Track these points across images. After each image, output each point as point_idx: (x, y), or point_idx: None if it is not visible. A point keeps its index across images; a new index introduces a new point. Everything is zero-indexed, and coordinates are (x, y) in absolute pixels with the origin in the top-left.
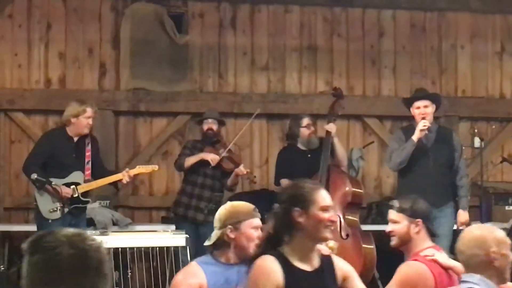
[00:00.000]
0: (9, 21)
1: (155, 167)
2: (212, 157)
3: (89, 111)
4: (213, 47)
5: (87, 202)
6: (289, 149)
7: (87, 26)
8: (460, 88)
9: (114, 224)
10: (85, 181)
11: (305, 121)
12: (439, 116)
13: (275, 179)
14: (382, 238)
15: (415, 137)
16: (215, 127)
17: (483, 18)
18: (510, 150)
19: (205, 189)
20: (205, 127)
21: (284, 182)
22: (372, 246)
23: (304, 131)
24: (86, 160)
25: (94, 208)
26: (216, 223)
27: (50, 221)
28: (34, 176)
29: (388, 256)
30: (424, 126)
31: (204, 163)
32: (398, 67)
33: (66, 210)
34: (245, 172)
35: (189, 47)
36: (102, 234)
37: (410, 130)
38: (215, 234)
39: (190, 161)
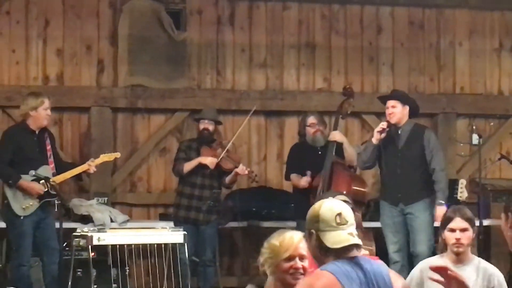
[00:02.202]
0: (6, 17)
1: (118, 154)
2: (210, 161)
3: (46, 102)
4: (211, 44)
5: (55, 196)
6: (300, 145)
7: (85, 23)
8: (458, 85)
9: (112, 221)
10: (52, 175)
11: (310, 120)
12: (437, 113)
13: (285, 174)
14: (381, 235)
15: (373, 139)
16: (211, 127)
17: (481, 15)
18: (508, 147)
19: (205, 189)
20: (201, 126)
21: (294, 177)
22: (372, 245)
23: (309, 130)
24: (48, 154)
25: (92, 205)
26: (353, 219)
27: (22, 217)
28: (32, 172)
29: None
30: (381, 127)
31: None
32: (396, 64)
33: (37, 205)
34: (246, 172)
35: (187, 44)
36: (100, 231)
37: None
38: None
39: (188, 166)
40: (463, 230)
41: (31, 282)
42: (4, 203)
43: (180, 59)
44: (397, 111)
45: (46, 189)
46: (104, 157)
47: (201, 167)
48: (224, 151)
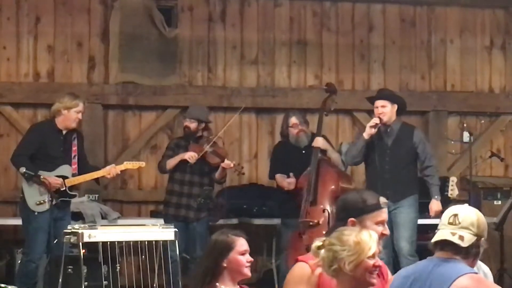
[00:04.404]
0: None
1: (142, 164)
2: (189, 155)
3: (80, 106)
4: (202, 41)
5: (74, 196)
6: (283, 144)
7: (76, 19)
8: (449, 82)
9: (103, 218)
10: (72, 175)
11: (292, 120)
12: (428, 111)
13: (269, 174)
14: None
15: (365, 134)
16: (192, 125)
17: (472, 12)
18: (499, 145)
19: (194, 186)
20: (183, 124)
21: (279, 177)
22: None
23: (292, 131)
24: (73, 155)
25: (83, 202)
26: (473, 227)
27: (36, 213)
28: (23, 169)
29: None
30: (374, 123)
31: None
32: (387, 61)
33: (53, 203)
34: (231, 165)
35: (178, 40)
36: (91, 228)
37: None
38: (469, 239)
39: (171, 163)
40: None
41: (37, 279)
42: (21, 197)
43: (171, 56)
44: (387, 111)
45: (64, 188)
46: (127, 165)
47: (187, 163)
48: (209, 146)
